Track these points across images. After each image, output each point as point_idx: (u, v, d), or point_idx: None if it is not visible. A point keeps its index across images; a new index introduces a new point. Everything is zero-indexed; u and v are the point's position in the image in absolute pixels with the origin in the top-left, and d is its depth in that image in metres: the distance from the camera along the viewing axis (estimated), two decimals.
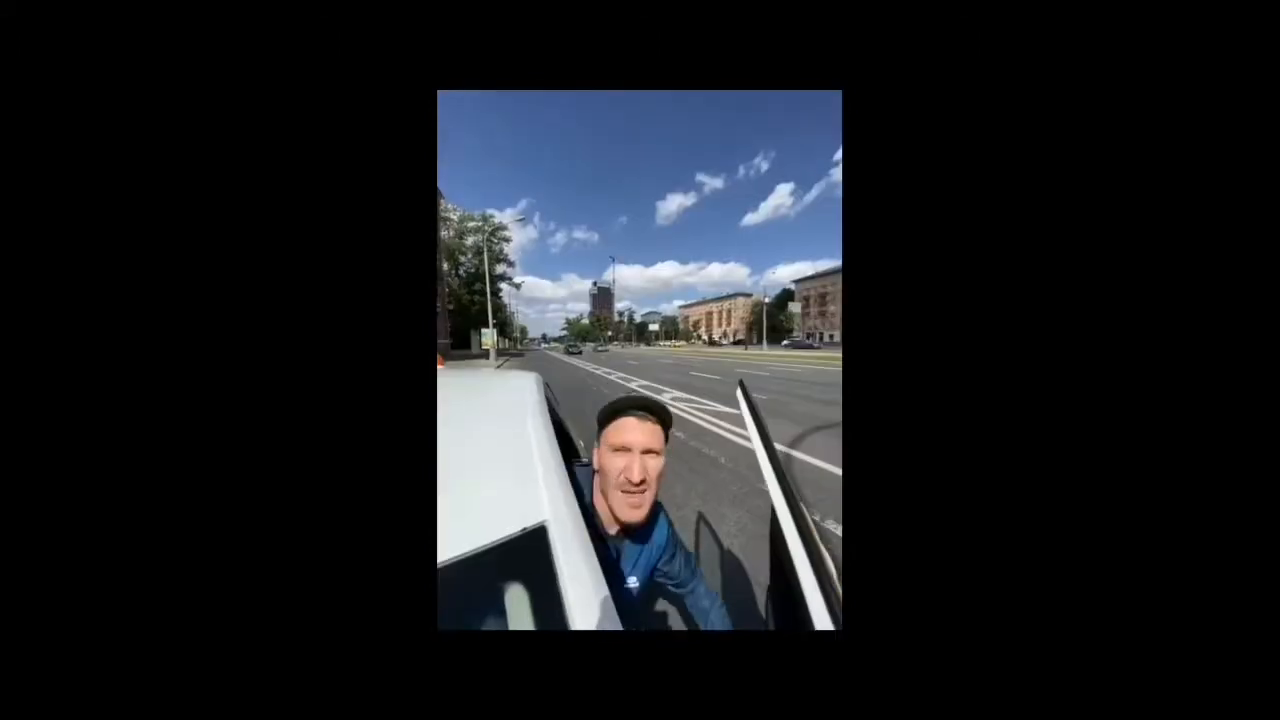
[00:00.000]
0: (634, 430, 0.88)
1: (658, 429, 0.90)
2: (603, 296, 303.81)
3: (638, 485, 0.85)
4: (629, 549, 1.00)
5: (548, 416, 1.03)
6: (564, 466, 0.81)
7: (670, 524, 1.12)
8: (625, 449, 0.87)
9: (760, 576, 2.57)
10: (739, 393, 1.15)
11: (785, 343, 76.43)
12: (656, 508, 1.04)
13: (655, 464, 0.89)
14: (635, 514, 0.88)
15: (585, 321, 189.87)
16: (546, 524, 0.66)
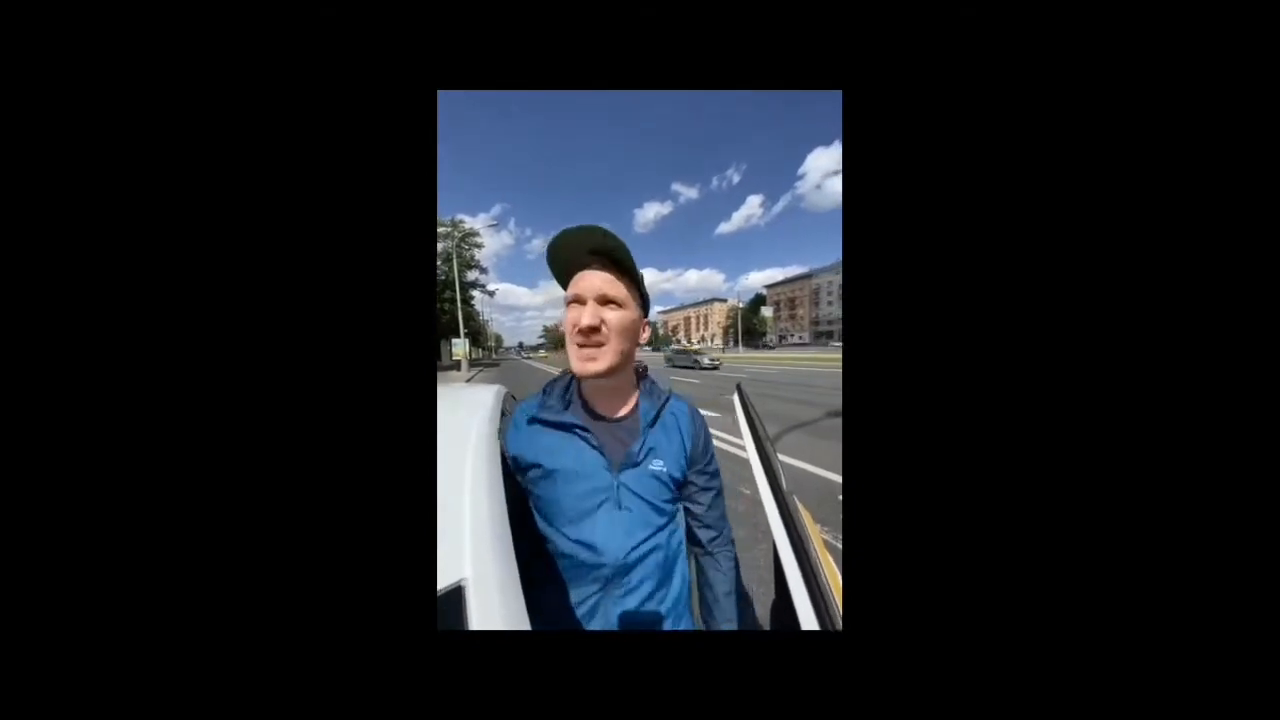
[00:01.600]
0: (587, 279, 0.76)
1: (614, 279, 0.77)
2: None
3: (589, 335, 0.74)
4: (615, 435, 0.85)
5: (495, 441, 0.86)
6: (504, 505, 0.69)
7: (697, 419, 0.92)
8: (578, 300, 0.76)
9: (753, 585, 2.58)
10: (735, 397, 1.14)
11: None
12: (663, 395, 0.90)
13: (616, 315, 0.76)
14: (587, 366, 0.75)
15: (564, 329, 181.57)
16: (464, 585, 0.57)
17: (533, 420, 0.85)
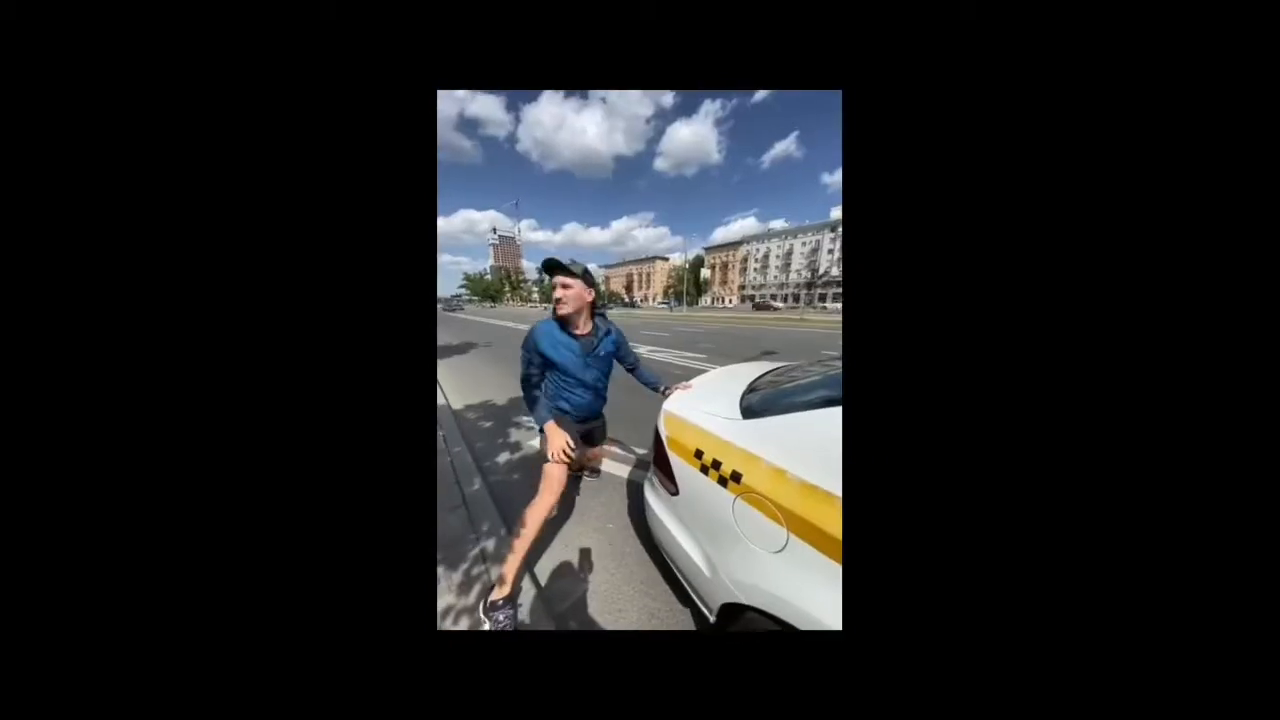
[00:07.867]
0: (557, 279, 1.63)
1: (565, 278, 1.63)
2: (507, 247, 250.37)
3: (558, 300, 1.64)
4: (583, 340, 1.79)
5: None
6: None
7: (620, 333, 1.97)
8: (561, 285, 1.65)
9: None
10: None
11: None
12: (607, 323, 1.89)
13: (569, 292, 1.62)
14: (559, 309, 1.65)
15: (488, 276, 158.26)
16: None
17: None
